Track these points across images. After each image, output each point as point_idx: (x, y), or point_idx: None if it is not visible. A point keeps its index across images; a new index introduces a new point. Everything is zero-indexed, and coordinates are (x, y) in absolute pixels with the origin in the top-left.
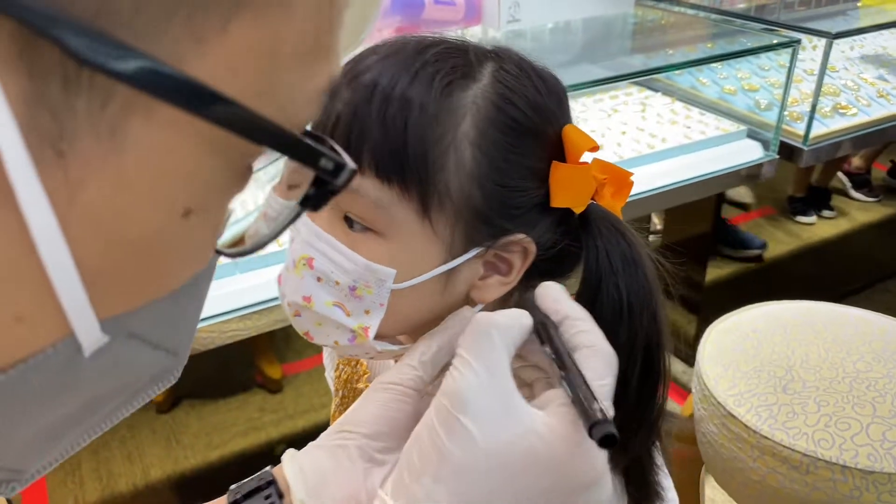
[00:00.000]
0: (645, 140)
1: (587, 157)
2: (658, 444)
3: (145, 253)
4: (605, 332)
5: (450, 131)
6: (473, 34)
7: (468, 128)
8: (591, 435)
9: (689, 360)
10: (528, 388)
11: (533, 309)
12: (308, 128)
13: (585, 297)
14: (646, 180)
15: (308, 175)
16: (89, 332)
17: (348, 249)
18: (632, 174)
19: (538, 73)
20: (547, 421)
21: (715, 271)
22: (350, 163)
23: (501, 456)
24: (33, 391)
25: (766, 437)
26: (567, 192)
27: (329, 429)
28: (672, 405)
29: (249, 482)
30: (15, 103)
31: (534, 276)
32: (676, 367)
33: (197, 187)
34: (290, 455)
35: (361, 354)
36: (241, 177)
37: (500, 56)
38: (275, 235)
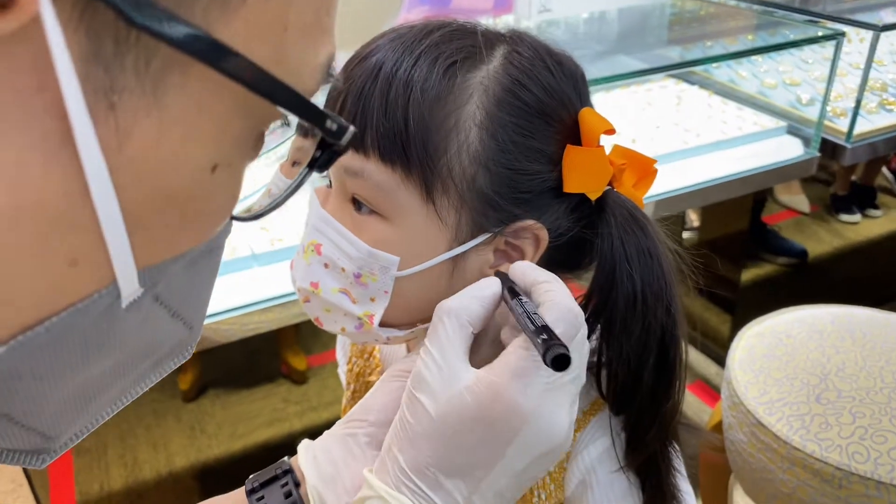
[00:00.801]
0: (679, 135)
1: (609, 145)
2: (676, 445)
3: (177, 203)
4: (619, 324)
5: (453, 113)
6: (505, 24)
7: (474, 109)
8: (545, 360)
9: (723, 361)
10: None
11: (506, 279)
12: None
13: (599, 287)
14: (679, 177)
15: (309, 152)
16: (128, 282)
17: (353, 236)
18: (655, 161)
19: (554, 56)
20: (479, 374)
21: (753, 271)
22: (352, 126)
23: (442, 418)
24: (76, 340)
25: (797, 449)
26: (580, 176)
27: (342, 418)
28: (703, 407)
29: (267, 471)
30: (76, 59)
31: (552, 267)
32: (709, 368)
33: (223, 145)
34: (305, 445)
35: (371, 341)
36: (256, 142)
37: (515, 39)
38: (285, 198)
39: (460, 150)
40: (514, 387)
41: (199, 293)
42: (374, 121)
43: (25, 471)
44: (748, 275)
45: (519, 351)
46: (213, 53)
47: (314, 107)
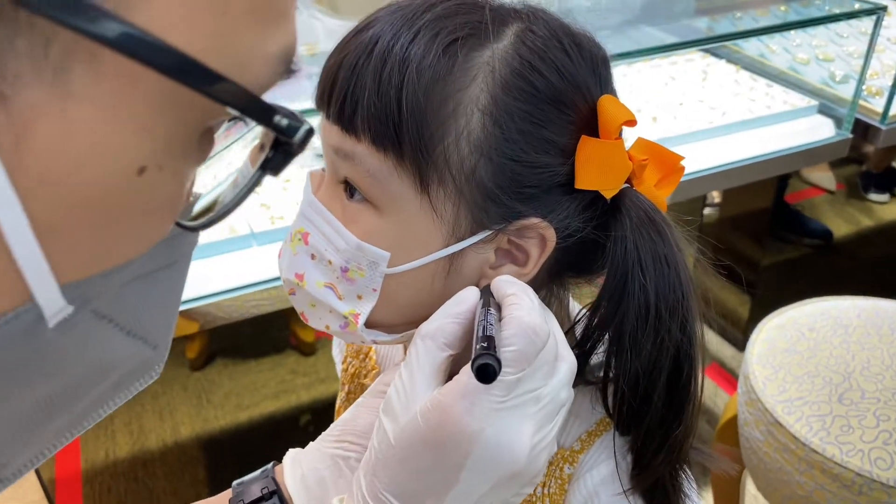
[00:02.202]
0: (704, 113)
1: (632, 137)
2: (686, 468)
3: (98, 210)
4: (628, 338)
5: (453, 96)
6: None
7: (477, 93)
8: (472, 368)
9: (739, 343)
10: None
11: (486, 292)
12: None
13: (609, 295)
14: (702, 157)
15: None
16: (50, 299)
17: (342, 226)
18: (682, 158)
19: (573, 37)
20: (433, 396)
21: (775, 251)
22: (306, 122)
23: (398, 442)
24: None
25: (815, 451)
26: (595, 172)
27: (330, 430)
28: (718, 391)
29: (252, 486)
30: None
31: (561, 270)
32: (725, 351)
33: (151, 144)
34: (291, 459)
35: (357, 342)
36: (202, 142)
37: (529, 16)
38: (236, 204)
39: (459, 138)
40: (461, 406)
41: (160, 310)
42: (366, 100)
43: None
44: (770, 256)
45: (470, 370)
46: (122, 38)
47: (257, 100)
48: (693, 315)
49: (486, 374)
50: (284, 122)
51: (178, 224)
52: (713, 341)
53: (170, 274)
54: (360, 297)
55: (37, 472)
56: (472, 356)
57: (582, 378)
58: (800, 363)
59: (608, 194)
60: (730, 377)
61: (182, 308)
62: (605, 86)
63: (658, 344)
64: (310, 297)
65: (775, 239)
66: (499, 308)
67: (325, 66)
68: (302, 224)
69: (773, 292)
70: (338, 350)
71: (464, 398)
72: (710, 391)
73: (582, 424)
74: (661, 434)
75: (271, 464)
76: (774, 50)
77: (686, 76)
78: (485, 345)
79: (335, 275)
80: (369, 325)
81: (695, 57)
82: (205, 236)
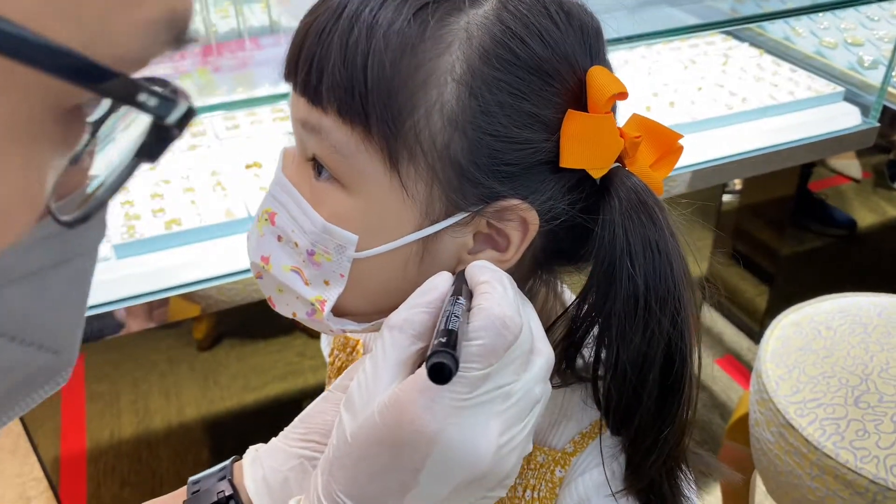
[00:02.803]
0: (724, 98)
1: (627, 114)
2: (685, 469)
3: None
4: (616, 330)
5: (425, 65)
6: None
7: (452, 61)
8: (426, 366)
9: (756, 335)
10: None
11: (460, 279)
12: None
13: (596, 284)
14: (720, 145)
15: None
16: None
17: (308, 206)
18: (680, 136)
19: (561, 4)
20: (391, 391)
21: (796, 241)
22: (184, 100)
23: (355, 440)
24: None
25: (828, 456)
26: (582, 148)
27: (294, 426)
28: (732, 384)
29: (209, 488)
30: None
31: (550, 257)
32: (741, 342)
33: None
34: (251, 458)
35: (325, 331)
36: (64, 123)
37: None
38: (111, 193)
39: (431, 110)
40: (419, 403)
41: (58, 312)
42: (332, 68)
43: (22, 419)
44: (790, 244)
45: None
46: None
47: (113, 74)
48: (685, 307)
49: (441, 373)
50: (153, 100)
51: (54, 218)
52: (728, 333)
53: (65, 273)
54: (327, 283)
55: (36, 451)
56: (428, 352)
57: (574, 375)
58: (815, 363)
59: (596, 174)
60: (745, 370)
61: (183, 291)
62: (597, 58)
63: (647, 337)
64: (276, 281)
65: (797, 228)
66: (471, 296)
67: (294, 33)
68: (269, 204)
69: (792, 283)
70: (325, 342)
71: (422, 394)
72: (724, 384)
73: (575, 426)
74: (652, 433)
75: (230, 460)
76: (800, 33)
77: (706, 59)
78: (443, 340)
79: (301, 258)
80: (338, 312)
81: (716, 39)
82: (202, 220)
